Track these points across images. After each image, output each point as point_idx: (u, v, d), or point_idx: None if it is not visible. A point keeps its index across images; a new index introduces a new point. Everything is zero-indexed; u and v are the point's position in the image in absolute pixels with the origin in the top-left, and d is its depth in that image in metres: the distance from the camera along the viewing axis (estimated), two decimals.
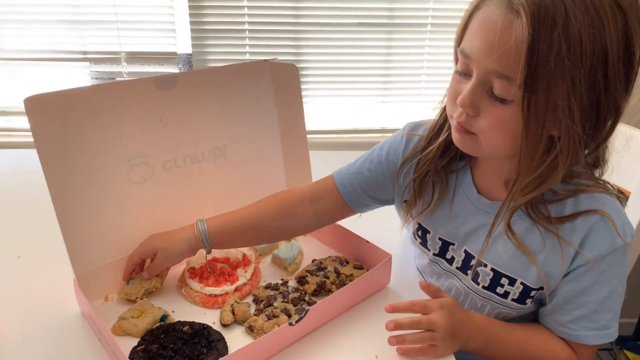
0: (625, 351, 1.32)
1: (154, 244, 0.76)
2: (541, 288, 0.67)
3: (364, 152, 0.84)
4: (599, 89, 0.54)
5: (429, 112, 0.76)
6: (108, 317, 0.72)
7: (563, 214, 0.64)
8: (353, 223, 0.86)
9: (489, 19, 0.56)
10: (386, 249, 0.79)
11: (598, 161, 0.66)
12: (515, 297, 0.69)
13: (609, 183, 0.67)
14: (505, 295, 0.70)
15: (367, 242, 0.81)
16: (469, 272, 0.73)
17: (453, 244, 0.75)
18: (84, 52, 1.55)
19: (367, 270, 0.79)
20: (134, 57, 1.55)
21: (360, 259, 0.84)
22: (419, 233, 0.79)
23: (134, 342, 0.67)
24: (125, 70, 1.57)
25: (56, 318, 0.72)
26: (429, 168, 0.73)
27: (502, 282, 0.69)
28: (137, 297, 0.75)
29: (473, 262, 0.72)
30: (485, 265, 0.70)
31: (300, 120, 0.91)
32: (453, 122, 0.65)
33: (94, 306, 0.74)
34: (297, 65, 0.85)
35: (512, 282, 0.69)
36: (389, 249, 0.78)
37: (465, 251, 0.73)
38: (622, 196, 0.67)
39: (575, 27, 0.51)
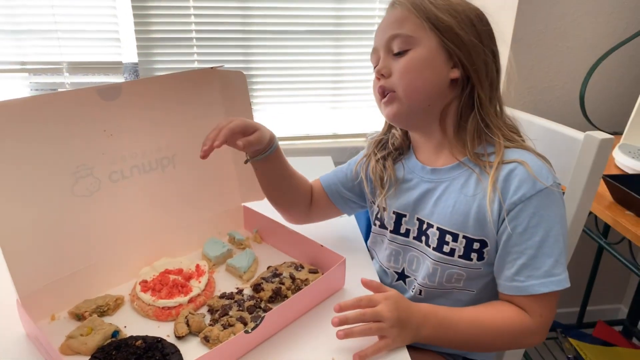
0: (570, 339, 1.39)
1: (253, 122, 0.79)
2: (483, 241, 0.74)
3: (316, 157, 0.91)
4: (476, 33, 0.73)
5: (379, 117, 0.85)
6: (55, 337, 0.69)
7: (490, 164, 0.74)
8: (310, 229, 0.90)
9: (381, 21, 0.78)
10: (342, 253, 0.80)
11: (514, 124, 0.79)
12: (461, 253, 0.76)
13: (531, 147, 0.77)
14: (452, 252, 0.76)
15: (322, 246, 0.82)
16: (423, 237, 0.81)
17: (405, 216, 0.83)
18: (23, 63, 1.48)
19: (322, 274, 0.80)
20: (77, 67, 1.50)
21: (316, 264, 0.84)
22: (378, 215, 0.87)
23: None
24: (68, 80, 1.51)
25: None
26: (376, 159, 0.86)
27: (446, 239, 0.77)
28: (86, 312, 0.72)
29: (425, 226, 0.80)
30: (432, 226, 0.78)
31: None
32: (381, 106, 0.79)
33: (40, 326, 0.71)
34: (247, 73, 0.86)
35: (455, 237, 0.76)
36: (344, 253, 0.80)
37: (418, 219, 0.81)
38: (543, 155, 0.76)
39: None
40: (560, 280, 0.69)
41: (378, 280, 0.83)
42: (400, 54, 0.74)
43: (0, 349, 0.68)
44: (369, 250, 0.93)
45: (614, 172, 1.11)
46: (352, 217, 1.01)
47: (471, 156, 0.75)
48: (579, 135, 0.86)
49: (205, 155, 0.74)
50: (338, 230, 0.99)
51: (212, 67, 0.84)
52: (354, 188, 0.92)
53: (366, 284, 0.71)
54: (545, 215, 0.70)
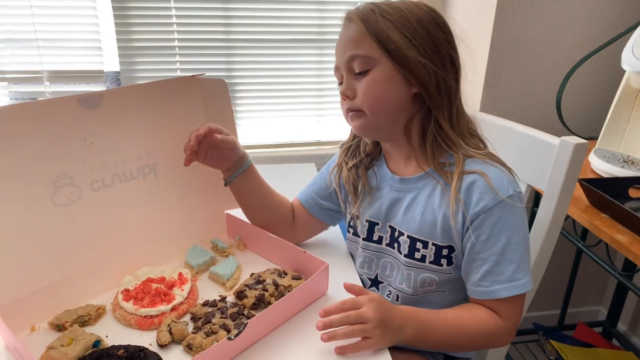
0: (551, 341, 1.41)
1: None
2: (451, 247, 0.76)
3: (299, 164, 0.92)
4: (431, 42, 0.73)
5: None
6: (36, 348, 0.68)
7: (452, 175, 0.76)
8: None
9: (340, 37, 0.79)
10: (325, 258, 0.80)
11: (477, 134, 0.81)
12: (432, 259, 0.78)
13: (494, 155, 0.79)
14: (423, 259, 0.79)
15: (304, 252, 0.83)
16: (395, 244, 0.83)
17: (377, 224, 0.85)
18: (2, 72, 1.47)
19: (306, 280, 0.80)
20: (58, 76, 1.49)
21: (299, 270, 0.85)
22: (351, 223, 0.89)
23: None
24: (49, 90, 1.50)
25: None
26: (348, 167, 0.87)
27: (417, 246, 0.79)
28: (66, 322, 0.72)
29: (396, 233, 0.82)
30: (403, 234, 0.80)
31: (232, 133, 0.91)
32: (348, 119, 0.80)
33: (20, 337, 0.70)
34: (230, 81, 0.87)
35: (425, 245, 0.78)
36: (328, 259, 0.80)
37: (390, 227, 0.83)
38: (504, 163, 0.78)
39: (388, 8, 0.74)
40: (522, 284, 0.73)
41: (360, 284, 0.84)
42: (361, 73, 0.76)
43: None
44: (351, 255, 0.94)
45: (590, 176, 1.14)
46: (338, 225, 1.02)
47: (435, 166, 0.77)
48: (554, 140, 0.89)
49: (188, 162, 0.81)
50: (321, 236, 0.99)
51: (192, 75, 0.84)
52: (331, 197, 0.93)
53: (349, 288, 0.72)
54: (506, 223, 0.73)
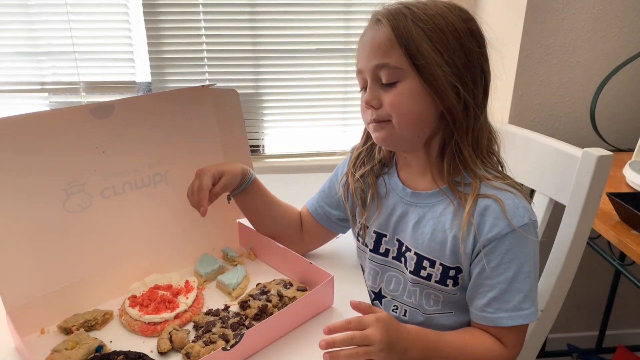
0: None
1: (220, 168, 0.84)
2: (458, 268, 0.74)
3: (325, 174, 0.96)
4: (463, 55, 0.69)
5: None
6: (43, 350, 0.70)
7: (467, 197, 0.73)
8: None
9: (365, 36, 0.74)
10: (335, 269, 0.79)
11: (494, 149, 0.77)
12: (438, 278, 0.76)
13: (511, 178, 0.76)
14: (429, 277, 0.76)
15: (310, 263, 0.82)
16: (402, 259, 0.80)
17: (385, 236, 0.83)
18: (42, 83, 1.54)
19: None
20: (93, 86, 1.55)
21: (306, 281, 0.84)
22: (360, 232, 0.87)
23: None
24: (85, 100, 1.56)
25: None
26: (355, 179, 0.85)
27: (424, 264, 0.76)
28: (73, 326, 0.73)
29: (403, 248, 0.80)
30: (410, 250, 0.78)
31: (244, 143, 0.92)
32: (370, 127, 0.77)
33: (30, 339, 0.73)
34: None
35: (432, 264, 0.76)
36: (338, 270, 0.79)
37: (398, 240, 0.81)
38: (520, 188, 0.74)
39: (421, 13, 0.69)
40: (527, 315, 0.71)
41: (368, 300, 0.82)
42: (388, 84, 0.71)
43: None
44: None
45: (625, 190, 1.07)
46: (349, 231, 1.00)
47: (450, 185, 0.74)
48: (577, 152, 0.84)
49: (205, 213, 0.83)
50: (332, 246, 0.98)
51: (202, 85, 0.85)
52: (340, 205, 0.91)
53: (355, 306, 0.68)
54: (518, 252, 0.70)
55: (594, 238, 1.10)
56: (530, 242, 0.71)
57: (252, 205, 0.91)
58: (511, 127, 1.07)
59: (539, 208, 0.95)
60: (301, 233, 0.94)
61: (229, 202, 0.90)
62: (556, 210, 0.93)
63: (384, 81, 0.71)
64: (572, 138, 1.36)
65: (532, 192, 1.00)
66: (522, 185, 0.80)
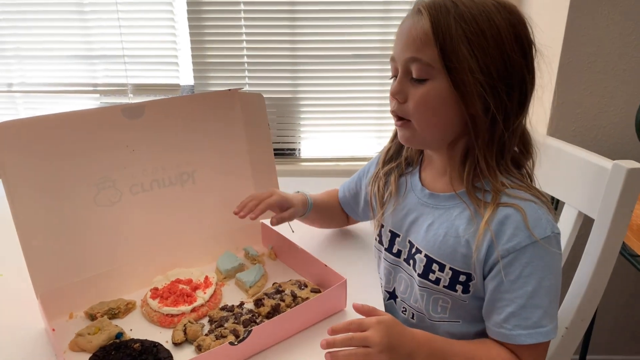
0: None
1: (288, 197, 0.91)
2: (469, 275, 0.72)
3: None
4: (502, 63, 0.66)
5: None
6: (69, 333, 0.75)
7: (486, 205, 0.71)
8: (333, 245, 1.01)
9: (403, 25, 0.71)
10: (353, 272, 0.80)
11: (522, 161, 0.75)
12: (446, 283, 0.74)
13: (536, 189, 0.73)
14: (437, 281, 0.75)
15: (325, 266, 0.82)
16: (411, 261, 0.80)
17: (398, 236, 0.83)
18: (95, 85, 1.64)
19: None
20: (140, 88, 1.64)
21: (321, 283, 0.85)
22: (378, 231, 0.88)
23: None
24: (132, 101, 1.65)
25: (22, 332, 0.76)
26: (381, 173, 0.87)
27: (433, 268, 0.75)
28: (98, 313, 0.78)
29: (414, 250, 0.79)
30: (421, 252, 0.77)
31: (268, 146, 0.94)
32: (394, 120, 0.76)
33: (59, 323, 0.78)
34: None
35: (441, 267, 0.75)
36: (355, 273, 0.80)
37: (409, 242, 0.81)
38: (545, 199, 0.72)
39: (466, 10, 0.66)
40: (547, 332, 0.68)
41: (381, 302, 0.82)
42: (418, 80, 0.70)
43: (24, 340, 0.75)
44: None
45: None
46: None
47: (468, 189, 0.73)
48: (607, 163, 0.81)
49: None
50: (356, 248, 1.01)
51: (229, 89, 0.88)
52: (366, 202, 0.95)
53: (358, 308, 0.68)
54: (539, 265, 0.68)
55: (637, 256, 1.04)
56: (552, 255, 0.68)
57: (313, 221, 1.01)
58: (545, 138, 1.04)
59: (568, 221, 0.92)
60: (343, 214, 1.03)
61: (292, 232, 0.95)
62: (586, 223, 0.89)
63: (414, 75, 0.70)
64: (616, 149, 1.30)
65: (558, 202, 0.96)
66: (550, 197, 0.76)
